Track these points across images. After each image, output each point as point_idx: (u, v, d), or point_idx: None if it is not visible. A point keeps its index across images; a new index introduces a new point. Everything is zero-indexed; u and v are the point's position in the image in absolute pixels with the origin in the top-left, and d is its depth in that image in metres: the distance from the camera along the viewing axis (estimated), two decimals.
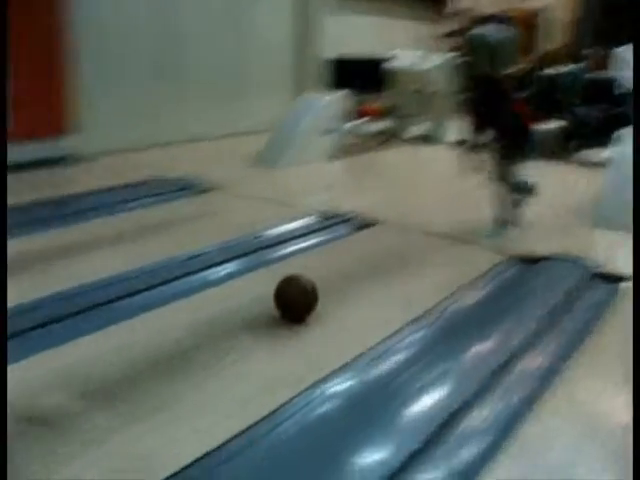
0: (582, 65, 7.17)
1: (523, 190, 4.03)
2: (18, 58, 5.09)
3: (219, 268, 3.36)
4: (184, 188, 4.96)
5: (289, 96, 7.70)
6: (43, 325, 2.56)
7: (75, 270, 3.23)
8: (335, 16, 8.35)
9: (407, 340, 2.60)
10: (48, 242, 3.67)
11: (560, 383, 2.30)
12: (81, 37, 5.69)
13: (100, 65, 5.95)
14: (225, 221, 4.22)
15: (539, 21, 9.83)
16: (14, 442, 1.79)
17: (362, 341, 2.51)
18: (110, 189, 4.85)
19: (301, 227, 4.08)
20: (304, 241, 3.85)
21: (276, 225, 4.05)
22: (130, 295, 2.93)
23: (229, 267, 3.39)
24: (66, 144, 5.65)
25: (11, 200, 4.34)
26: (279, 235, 3.90)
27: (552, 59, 7.50)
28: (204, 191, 4.94)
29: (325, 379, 2.23)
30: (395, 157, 6.78)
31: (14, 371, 2.17)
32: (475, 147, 3.98)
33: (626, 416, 1.88)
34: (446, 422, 2.01)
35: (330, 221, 4.20)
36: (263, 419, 2.00)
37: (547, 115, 5.98)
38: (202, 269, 3.32)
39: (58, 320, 2.61)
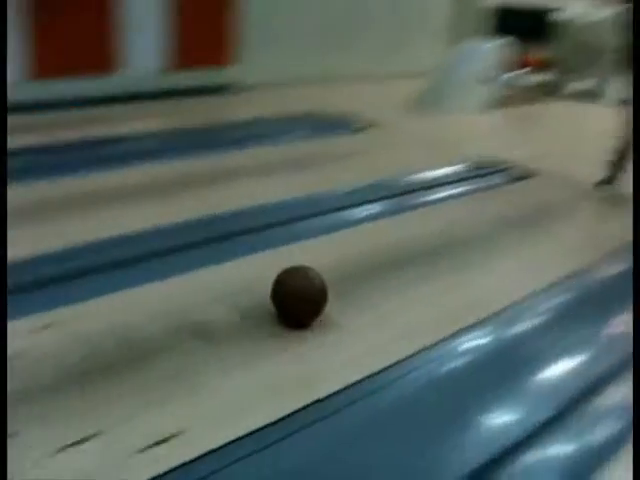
0: None
1: None
2: None
3: (368, 206, 3.41)
4: (340, 125, 5.03)
5: (449, 42, 7.52)
6: (213, 241, 2.74)
7: (231, 194, 3.37)
8: None
9: (549, 302, 2.49)
10: (207, 166, 3.85)
11: None
12: None
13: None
14: (378, 161, 4.24)
15: None
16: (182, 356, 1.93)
17: (508, 295, 2.45)
18: (268, 120, 5.00)
19: (454, 174, 4.05)
20: (456, 187, 3.81)
21: (429, 169, 4.04)
22: (280, 224, 3.01)
23: (377, 207, 3.44)
24: (229, 74, 5.86)
25: (176, 124, 4.67)
26: (431, 180, 3.90)
27: None
28: (360, 130, 4.99)
29: (460, 332, 2.19)
30: (555, 111, 6.49)
31: (176, 283, 2.36)
32: None
33: None
34: (583, 394, 1.92)
35: (485, 170, 4.12)
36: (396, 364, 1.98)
37: None
38: (350, 206, 3.37)
39: (227, 237, 2.78)
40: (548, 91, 7.05)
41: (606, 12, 6.85)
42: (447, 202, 3.60)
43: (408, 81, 6.42)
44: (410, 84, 6.18)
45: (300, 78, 6.08)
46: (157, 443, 1.53)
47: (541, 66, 7.37)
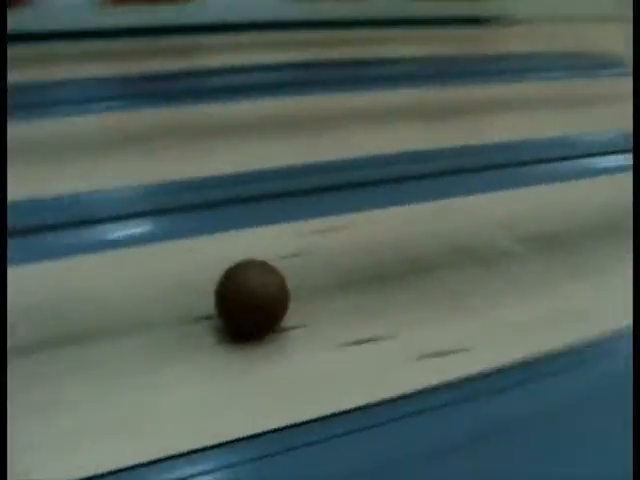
0: None
1: None
2: None
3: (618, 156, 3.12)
4: (607, 67, 4.71)
5: None
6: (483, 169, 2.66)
7: (500, 125, 3.27)
8: None
9: None
10: (476, 94, 3.76)
11: None
12: None
13: None
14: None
15: None
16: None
17: None
18: (538, 54, 4.79)
19: None
20: None
21: None
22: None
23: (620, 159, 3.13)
24: (494, 5, 5.68)
25: (443, 52, 4.63)
26: None
27: None
28: (626, 74, 4.61)
29: None
30: None
31: (449, 205, 2.30)
32: None
33: None
34: None
35: None
36: None
37: None
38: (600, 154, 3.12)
39: (495, 167, 2.69)
40: None
41: None
42: None
43: None
44: None
45: (571, 16, 5.74)
46: (439, 354, 1.54)
47: None
